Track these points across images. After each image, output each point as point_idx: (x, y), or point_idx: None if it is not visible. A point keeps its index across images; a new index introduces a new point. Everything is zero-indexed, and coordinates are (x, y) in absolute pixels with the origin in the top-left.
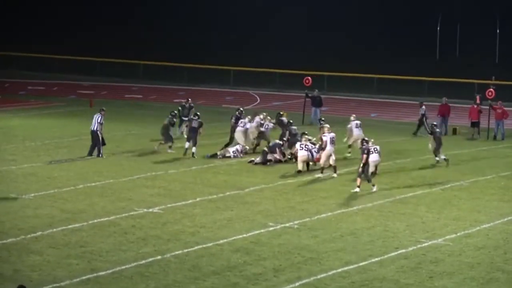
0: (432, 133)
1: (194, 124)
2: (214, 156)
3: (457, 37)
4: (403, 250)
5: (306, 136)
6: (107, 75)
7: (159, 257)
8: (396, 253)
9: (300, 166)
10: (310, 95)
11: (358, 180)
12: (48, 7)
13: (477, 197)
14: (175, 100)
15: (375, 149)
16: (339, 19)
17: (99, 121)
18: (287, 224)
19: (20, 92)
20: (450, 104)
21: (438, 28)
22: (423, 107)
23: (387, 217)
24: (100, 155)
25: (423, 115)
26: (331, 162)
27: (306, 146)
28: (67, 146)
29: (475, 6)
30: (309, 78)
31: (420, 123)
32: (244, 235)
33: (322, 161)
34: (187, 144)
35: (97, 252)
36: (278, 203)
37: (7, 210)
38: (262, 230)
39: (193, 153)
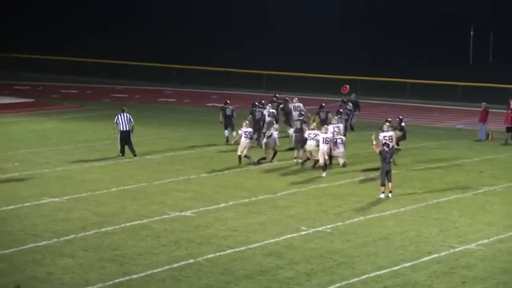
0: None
1: (228, 111)
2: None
3: (491, 42)
4: (436, 255)
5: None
6: (141, 78)
7: (191, 260)
8: (428, 258)
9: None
10: (346, 99)
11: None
12: (79, 11)
13: (510, 202)
14: (208, 104)
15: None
16: (371, 23)
17: (129, 120)
18: (319, 228)
19: (53, 96)
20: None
21: (472, 33)
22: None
23: (420, 222)
24: (134, 154)
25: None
26: (322, 160)
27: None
28: (100, 150)
29: (509, 11)
30: (347, 86)
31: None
32: (277, 239)
33: (321, 160)
34: (226, 132)
35: (129, 256)
36: (311, 207)
37: (40, 213)
38: (294, 234)
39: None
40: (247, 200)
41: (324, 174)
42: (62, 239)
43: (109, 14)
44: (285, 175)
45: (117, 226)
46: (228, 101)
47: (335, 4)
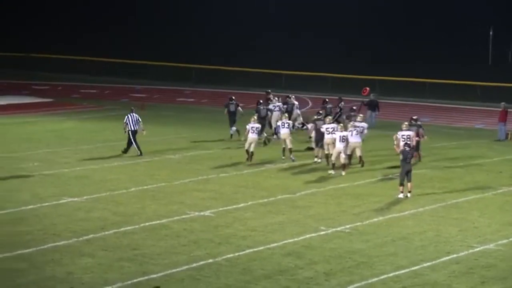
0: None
1: (232, 108)
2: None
3: (510, 42)
4: (455, 255)
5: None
6: (160, 78)
7: (210, 260)
8: (448, 258)
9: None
10: (366, 101)
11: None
12: (96, 11)
13: None
14: None
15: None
16: (390, 23)
17: (136, 120)
18: (338, 228)
19: (72, 95)
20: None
21: (491, 33)
22: (342, 103)
23: (439, 222)
24: (140, 154)
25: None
26: (342, 160)
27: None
28: (119, 149)
29: None
30: (367, 88)
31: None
32: (296, 239)
33: (333, 157)
34: (232, 130)
35: (149, 255)
36: (330, 207)
37: (59, 213)
38: (313, 234)
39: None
40: (266, 200)
41: (343, 173)
42: (81, 238)
43: (129, 14)
44: (304, 175)
45: (137, 226)
46: (233, 97)
47: (354, 4)
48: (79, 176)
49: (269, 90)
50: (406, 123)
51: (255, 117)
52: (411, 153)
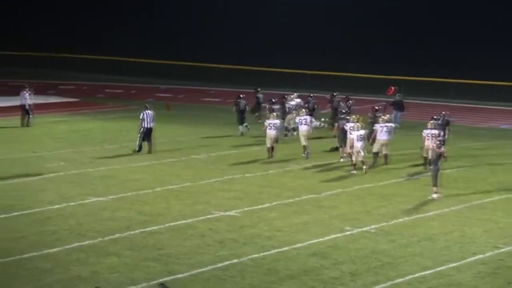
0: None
1: (242, 106)
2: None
3: None
4: (481, 256)
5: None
6: (185, 78)
7: (235, 260)
8: (473, 258)
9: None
10: (391, 101)
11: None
12: (123, 12)
13: None
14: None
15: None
16: (409, 24)
17: (152, 118)
18: (364, 229)
19: (98, 95)
20: None
21: None
22: (260, 95)
23: (464, 222)
24: (151, 152)
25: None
26: (360, 158)
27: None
28: (144, 149)
29: None
30: (392, 87)
31: (255, 109)
32: (321, 239)
33: (353, 157)
34: (241, 128)
35: (174, 255)
36: (355, 207)
37: (85, 213)
38: (339, 235)
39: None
40: (291, 200)
41: (364, 170)
42: (107, 238)
43: (155, 14)
44: (329, 174)
45: (162, 226)
46: (242, 95)
47: (373, 5)
48: (104, 175)
49: (259, 89)
50: (432, 121)
51: (275, 114)
52: (440, 154)
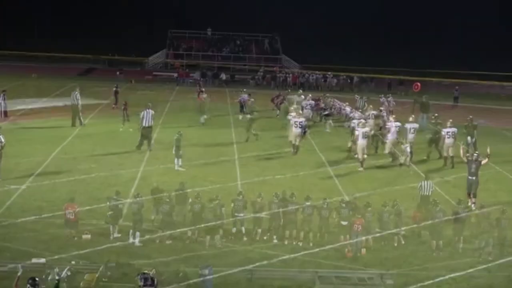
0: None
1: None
2: None
3: None
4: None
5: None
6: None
7: (265, 262)
8: (504, 260)
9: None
10: (419, 102)
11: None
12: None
13: None
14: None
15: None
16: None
17: (152, 117)
18: (393, 230)
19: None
20: None
21: None
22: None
23: (496, 224)
24: (150, 149)
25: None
26: (360, 156)
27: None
28: (172, 152)
29: None
30: (418, 83)
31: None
32: (351, 241)
33: (359, 155)
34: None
35: (204, 256)
36: (385, 209)
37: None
38: (369, 236)
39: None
40: (322, 201)
41: (361, 169)
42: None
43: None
44: (360, 177)
45: (193, 227)
46: (245, 89)
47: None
48: (135, 177)
49: (245, 89)
50: (451, 120)
51: (300, 111)
52: (478, 163)
